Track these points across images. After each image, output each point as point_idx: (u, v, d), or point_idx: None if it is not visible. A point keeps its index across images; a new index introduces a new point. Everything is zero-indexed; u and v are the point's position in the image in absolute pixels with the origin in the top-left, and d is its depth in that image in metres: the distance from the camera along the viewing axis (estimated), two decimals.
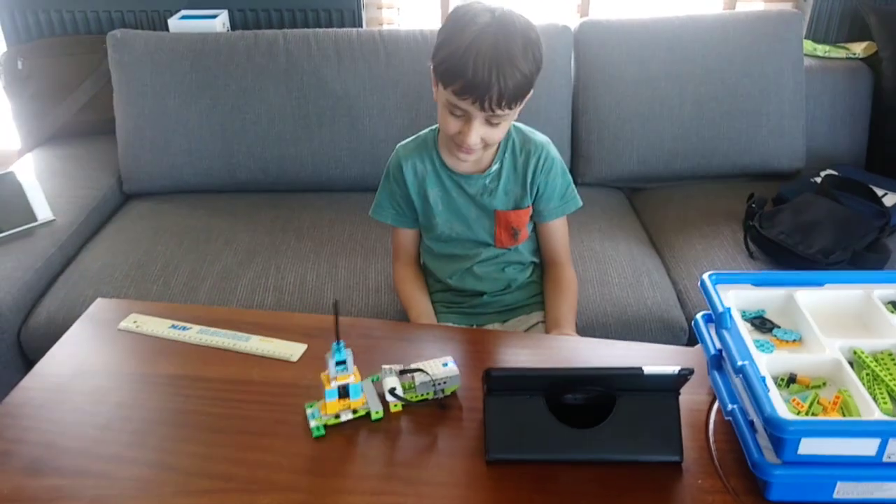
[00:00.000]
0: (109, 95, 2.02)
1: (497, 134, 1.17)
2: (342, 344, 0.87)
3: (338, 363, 0.87)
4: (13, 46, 2.20)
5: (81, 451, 0.88)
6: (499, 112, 1.11)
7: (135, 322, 1.13)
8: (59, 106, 2.15)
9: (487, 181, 1.29)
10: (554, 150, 1.31)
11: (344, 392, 0.89)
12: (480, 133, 1.15)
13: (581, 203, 1.36)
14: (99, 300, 1.20)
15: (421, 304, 1.34)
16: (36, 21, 2.21)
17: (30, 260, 1.65)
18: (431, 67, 1.16)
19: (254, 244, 1.77)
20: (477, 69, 1.06)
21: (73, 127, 2.19)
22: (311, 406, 0.92)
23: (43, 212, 1.78)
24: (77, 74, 2.16)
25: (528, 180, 1.29)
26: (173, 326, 1.11)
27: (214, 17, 2.12)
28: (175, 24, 2.11)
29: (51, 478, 0.85)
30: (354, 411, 0.91)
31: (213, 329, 1.11)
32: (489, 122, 1.14)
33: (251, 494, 0.82)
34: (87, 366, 1.04)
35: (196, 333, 1.10)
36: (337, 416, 0.90)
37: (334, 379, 0.88)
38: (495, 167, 1.28)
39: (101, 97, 2.11)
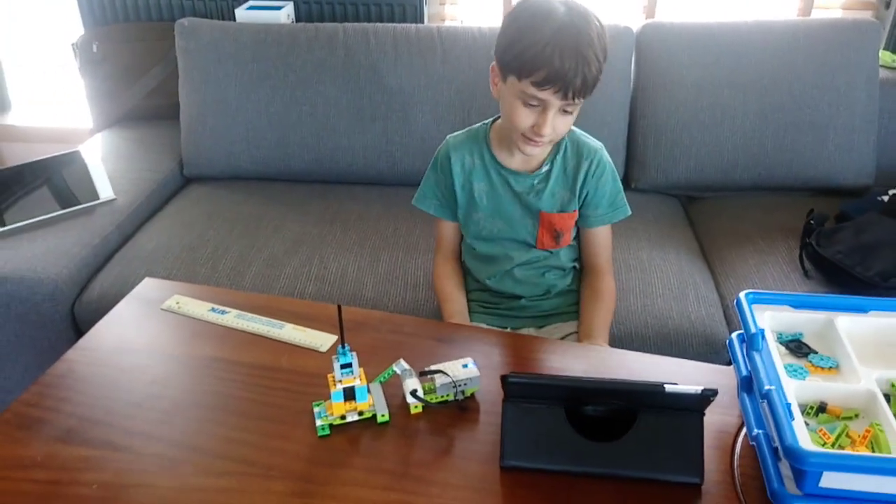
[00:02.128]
0: (177, 81, 2.08)
1: (567, 125, 1.19)
2: (347, 348, 0.88)
3: (343, 366, 0.88)
4: (90, 30, 2.30)
5: (112, 426, 0.92)
6: (576, 101, 1.13)
7: (177, 303, 1.16)
8: (130, 89, 2.24)
9: (536, 181, 1.28)
10: (606, 156, 1.30)
11: (350, 394, 0.89)
12: (554, 123, 1.16)
13: (630, 212, 1.34)
14: (146, 279, 1.24)
15: (456, 303, 1.34)
16: (112, 6, 2.30)
17: (88, 237, 1.72)
18: (498, 61, 1.17)
19: (301, 233, 1.80)
20: (564, 59, 1.08)
21: (141, 110, 2.27)
22: (318, 404, 0.93)
23: (105, 191, 1.86)
24: (148, 60, 2.24)
25: (578, 185, 1.28)
26: (212, 310, 1.15)
27: (280, 7, 2.16)
28: (242, 13, 2.16)
29: (81, 448, 0.89)
30: (360, 413, 0.91)
31: (249, 314, 1.14)
32: (563, 112, 1.15)
33: (267, 480, 0.84)
34: (127, 343, 1.08)
35: (233, 318, 1.13)
36: (343, 417, 0.91)
37: (339, 382, 0.89)
38: (545, 168, 1.28)
39: (169, 83, 2.18)
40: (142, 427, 0.92)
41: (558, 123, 1.16)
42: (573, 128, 1.30)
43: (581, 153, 1.28)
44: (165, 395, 0.98)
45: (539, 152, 1.24)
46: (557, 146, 1.28)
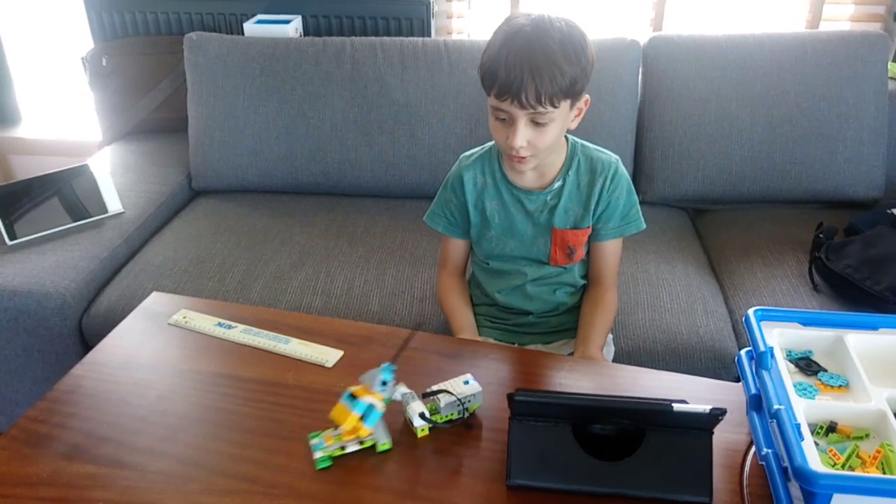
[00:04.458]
0: (185, 95, 2.09)
1: (545, 138, 1.14)
2: (394, 367, 0.87)
3: (383, 382, 0.86)
4: (99, 44, 2.32)
5: (118, 442, 0.92)
6: (540, 109, 1.10)
7: (184, 317, 1.17)
8: (138, 103, 2.26)
9: (548, 198, 1.27)
10: (622, 169, 1.28)
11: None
12: (527, 136, 1.13)
13: (644, 226, 1.32)
14: (154, 294, 1.25)
15: (463, 317, 1.34)
16: (121, 21, 2.32)
17: (97, 250, 1.72)
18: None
19: (308, 247, 1.80)
20: (510, 67, 1.07)
21: (150, 123, 2.29)
22: (315, 436, 0.90)
23: (113, 204, 1.87)
24: (156, 73, 2.25)
25: (593, 201, 1.26)
26: (219, 324, 1.15)
27: (288, 22, 2.18)
28: (250, 27, 2.17)
29: (87, 465, 0.89)
30: (361, 442, 0.89)
31: (256, 329, 1.14)
32: (535, 123, 1.13)
33: (271, 499, 0.84)
34: (135, 358, 1.08)
35: (239, 333, 1.13)
36: (342, 448, 0.88)
37: (370, 393, 0.86)
38: (557, 184, 1.27)
39: (178, 96, 2.19)
40: (148, 443, 0.92)
41: (534, 137, 1.13)
42: (585, 143, 1.29)
43: (595, 169, 1.26)
44: (172, 410, 0.98)
45: (530, 167, 1.21)
46: (569, 161, 1.26)
